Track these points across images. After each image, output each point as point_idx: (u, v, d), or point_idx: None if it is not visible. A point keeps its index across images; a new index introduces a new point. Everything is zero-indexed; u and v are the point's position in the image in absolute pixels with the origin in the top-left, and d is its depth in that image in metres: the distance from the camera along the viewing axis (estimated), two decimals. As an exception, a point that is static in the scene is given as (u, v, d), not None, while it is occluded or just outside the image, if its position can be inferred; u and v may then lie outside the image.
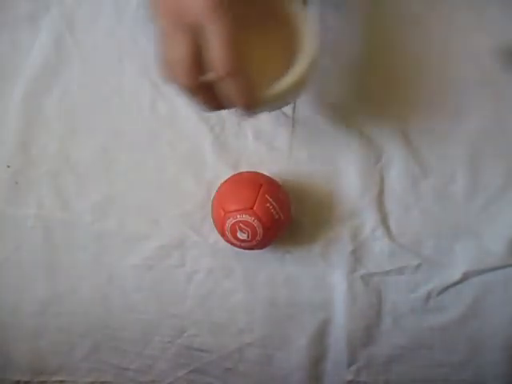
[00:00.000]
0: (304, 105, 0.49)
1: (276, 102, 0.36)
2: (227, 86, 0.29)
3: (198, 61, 0.29)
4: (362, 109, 0.49)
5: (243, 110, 0.31)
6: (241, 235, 0.40)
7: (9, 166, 0.49)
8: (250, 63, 0.32)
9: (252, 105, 0.31)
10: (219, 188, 0.43)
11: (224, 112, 0.48)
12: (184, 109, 0.49)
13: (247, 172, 0.44)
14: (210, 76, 0.29)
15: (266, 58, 0.36)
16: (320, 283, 0.47)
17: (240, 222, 0.40)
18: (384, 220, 0.47)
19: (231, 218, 0.40)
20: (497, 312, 0.46)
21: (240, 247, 0.42)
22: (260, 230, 0.40)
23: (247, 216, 0.39)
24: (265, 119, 0.49)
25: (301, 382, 0.47)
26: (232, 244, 0.42)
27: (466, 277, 0.46)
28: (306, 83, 0.36)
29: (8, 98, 0.50)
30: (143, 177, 0.47)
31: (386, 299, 0.47)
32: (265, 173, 0.44)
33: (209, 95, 0.30)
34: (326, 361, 0.47)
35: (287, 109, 0.49)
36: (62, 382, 0.48)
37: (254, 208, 0.40)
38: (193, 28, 0.28)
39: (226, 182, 0.43)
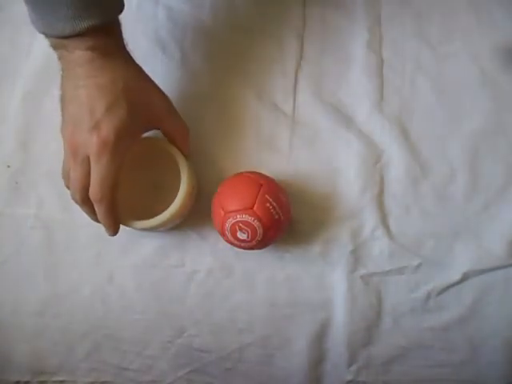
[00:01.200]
0: (304, 105, 0.49)
1: (151, 230, 0.45)
2: (96, 208, 0.39)
3: (85, 185, 0.38)
4: (361, 109, 0.49)
5: (105, 228, 0.41)
6: (241, 235, 0.40)
7: (9, 166, 0.49)
8: (148, 189, 0.47)
9: (110, 228, 0.40)
10: (219, 188, 0.43)
11: (224, 112, 0.49)
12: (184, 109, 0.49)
13: (247, 172, 0.44)
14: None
15: (167, 185, 0.44)
16: (320, 283, 0.47)
17: (240, 222, 0.40)
18: (384, 220, 0.47)
19: (231, 218, 0.40)
20: (497, 312, 0.46)
21: (240, 247, 0.42)
22: (260, 230, 0.40)
23: (247, 216, 0.39)
24: (265, 119, 0.49)
25: (300, 382, 0.47)
26: (232, 244, 0.42)
27: (466, 277, 0.46)
28: (175, 220, 0.44)
29: (8, 97, 0.50)
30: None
31: (386, 299, 0.47)
32: (265, 173, 0.44)
33: (91, 210, 0.39)
34: (326, 361, 0.47)
35: (287, 109, 0.49)
36: (61, 382, 0.48)
37: (254, 208, 0.40)
38: (84, 160, 0.37)
39: (225, 181, 0.43)
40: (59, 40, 0.37)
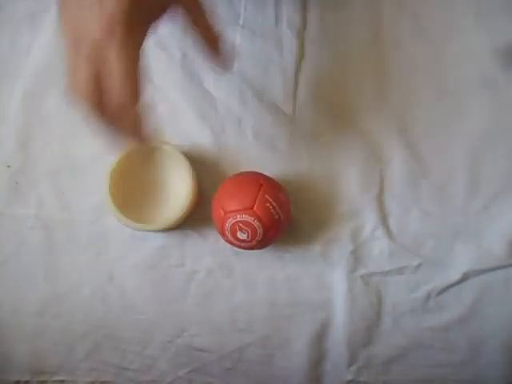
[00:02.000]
0: (304, 104, 0.49)
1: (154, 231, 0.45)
2: (124, 116, 0.30)
3: (97, 86, 0.29)
4: (362, 109, 0.49)
5: (132, 140, 0.31)
6: (241, 235, 0.40)
7: (9, 166, 0.49)
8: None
9: (138, 139, 0.31)
10: (219, 188, 0.43)
11: (224, 112, 0.49)
12: (184, 109, 0.49)
13: (247, 172, 0.44)
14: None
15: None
16: (320, 283, 0.47)
17: (240, 222, 0.40)
18: (384, 220, 0.47)
19: (231, 218, 0.40)
20: (497, 312, 0.46)
21: (240, 247, 0.42)
22: (260, 230, 0.40)
23: (247, 216, 0.39)
24: (265, 119, 0.49)
25: (301, 381, 0.47)
26: (232, 244, 0.42)
27: (466, 277, 0.46)
28: (182, 220, 0.44)
29: (8, 97, 0.50)
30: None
31: (386, 299, 0.47)
32: (265, 173, 0.44)
33: (111, 121, 0.30)
34: (326, 361, 0.47)
35: (287, 109, 0.49)
36: (62, 381, 0.48)
37: (254, 208, 0.40)
38: (92, 52, 0.28)
39: (225, 181, 0.43)
40: None
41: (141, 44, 0.31)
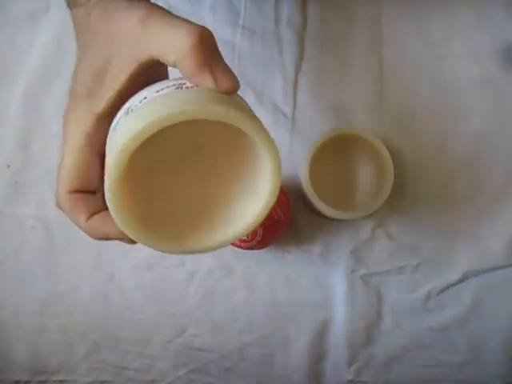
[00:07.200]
0: (304, 105, 0.49)
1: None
2: None
3: None
4: (362, 109, 0.49)
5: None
6: (241, 235, 0.40)
7: (9, 166, 0.49)
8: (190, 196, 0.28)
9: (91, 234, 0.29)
10: (219, 188, 0.43)
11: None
12: (184, 109, 0.49)
13: (247, 172, 0.44)
14: None
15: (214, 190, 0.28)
16: (320, 283, 0.47)
17: (240, 221, 0.39)
18: (384, 220, 0.47)
19: (231, 218, 0.40)
20: (497, 312, 0.46)
21: (240, 247, 0.42)
22: (260, 230, 0.40)
23: (247, 216, 0.39)
24: (264, 119, 0.49)
25: (301, 381, 0.47)
26: (232, 244, 0.42)
27: (465, 277, 0.46)
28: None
29: (8, 98, 0.50)
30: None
31: (386, 299, 0.47)
32: (265, 173, 0.44)
33: None
34: (326, 360, 0.47)
35: (287, 109, 0.49)
36: (61, 381, 0.48)
37: (254, 208, 0.39)
38: None
39: (226, 181, 0.43)
40: None
41: None
